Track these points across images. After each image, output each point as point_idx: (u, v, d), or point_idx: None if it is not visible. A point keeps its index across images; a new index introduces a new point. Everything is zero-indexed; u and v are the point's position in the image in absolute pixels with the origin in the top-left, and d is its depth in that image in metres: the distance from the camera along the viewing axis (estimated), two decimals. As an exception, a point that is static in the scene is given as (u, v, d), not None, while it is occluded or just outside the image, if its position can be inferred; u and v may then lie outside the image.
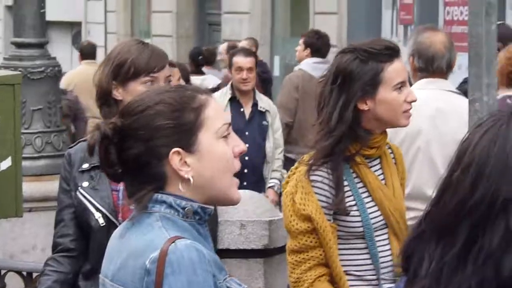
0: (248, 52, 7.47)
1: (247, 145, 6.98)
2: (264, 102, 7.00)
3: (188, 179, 1.95)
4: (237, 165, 2.05)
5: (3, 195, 4.38)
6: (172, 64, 5.69)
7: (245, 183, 5.52)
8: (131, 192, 2.07)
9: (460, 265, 1.36)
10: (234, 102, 6.80)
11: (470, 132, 1.41)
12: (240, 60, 7.01)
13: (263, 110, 6.89)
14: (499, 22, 4.74)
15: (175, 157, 1.94)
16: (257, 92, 7.12)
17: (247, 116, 6.83)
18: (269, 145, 6.93)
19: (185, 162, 1.95)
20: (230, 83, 7.13)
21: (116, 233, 2.21)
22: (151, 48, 3.55)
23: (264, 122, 6.88)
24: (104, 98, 3.38)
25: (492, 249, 1.29)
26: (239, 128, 6.28)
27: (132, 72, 3.31)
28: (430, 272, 1.42)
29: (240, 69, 6.75)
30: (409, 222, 3.60)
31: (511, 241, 1.29)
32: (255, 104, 6.86)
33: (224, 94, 6.85)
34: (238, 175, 6.92)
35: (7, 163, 4.32)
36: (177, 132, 1.98)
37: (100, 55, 12.92)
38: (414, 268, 1.49)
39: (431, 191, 3.92)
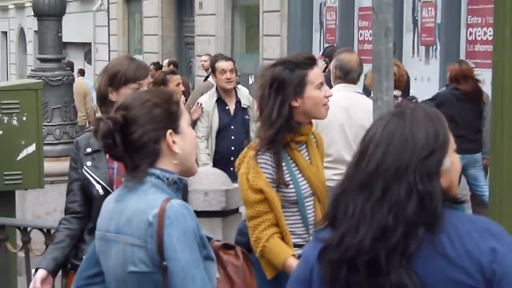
0: (227, 58, 8.00)
1: (232, 137, 7.29)
2: (245, 99, 7.45)
3: (177, 153, 2.25)
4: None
5: (29, 172, 5.25)
6: (174, 73, 6.40)
7: (231, 169, 5.92)
8: (131, 167, 2.33)
9: (378, 207, 1.77)
10: (220, 102, 7.25)
11: (377, 121, 2.03)
12: (223, 63, 7.42)
13: (245, 107, 7.36)
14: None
15: (169, 136, 2.24)
16: (238, 90, 7.56)
17: (232, 112, 7.30)
18: (253, 135, 7.23)
19: (173, 140, 2.25)
20: (214, 87, 7.57)
21: (110, 199, 2.50)
22: (138, 62, 3.98)
23: (246, 117, 7.36)
24: (103, 100, 3.81)
25: (400, 197, 1.74)
26: (226, 123, 7.12)
27: (123, 80, 3.74)
28: (355, 213, 1.81)
29: (223, 71, 7.15)
30: (335, 177, 4.12)
31: (412, 192, 1.81)
32: (238, 102, 7.32)
33: (212, 96, 7.33)
34: (226, 162, 7.91)
35: (32, 148, 5.17)
36: (168, 118, 2.28)
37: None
38: (340, 215, 1.89)
39: (347, 157, 4.73)
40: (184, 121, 2.33)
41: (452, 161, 2.00)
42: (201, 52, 16.61)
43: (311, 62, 3.61)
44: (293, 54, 4.20)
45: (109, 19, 23.12)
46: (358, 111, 5.44)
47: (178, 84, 5.42)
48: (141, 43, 21.17)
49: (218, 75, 7.10)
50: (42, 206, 6.79)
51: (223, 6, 16.91)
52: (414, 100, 8.44)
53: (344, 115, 5.39)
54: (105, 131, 2.27)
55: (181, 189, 2.44)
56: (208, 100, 7.29)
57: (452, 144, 2.02)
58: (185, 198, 2.90)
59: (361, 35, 13.38)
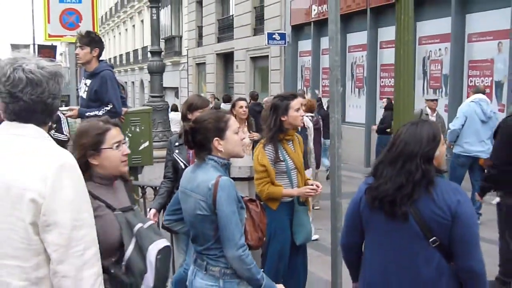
0: (243, 99, 7.36)
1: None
2: None
3: (221, 150, 2.86)
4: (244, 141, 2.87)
5: (145, 156, 6.55)
6: (243, 99, 6.51)
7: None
8: (197, 154, 2.92)
9: (398, 174, 2.65)
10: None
11: (402, 126, 2.81)
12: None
13: None
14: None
15: (216, 142, 2.81)
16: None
17: None
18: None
19: (220, 143, 2.81)
20: None
21: (188, 170, 3.04)
22: (202, 98, 4.94)
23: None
24: (184, 118, 4.71)
25: (411, 170, 2.62)
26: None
27: (194, 107, 4.66)
28: (387, 175, 2.68)
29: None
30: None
31: (418, 168, 2.63)
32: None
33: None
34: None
35: (146, 143, 6.58)
36: (216, 131, 2.86)
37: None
38: (378, 173, 2.75)
39: None
40: (230, 131, 2.89)
41: (440, 150, 2.73)
42: (237, 92, 23.32)
43: (293, 96, 4.47)
44: (284, 92, 6.10)
45: (188, 74, 29.19)
46: None
47: (241, 107, 6.25)
48: (205, 87, 27.75)
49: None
50: (152, 174, 7.77)
51: (248, 67, 23.15)
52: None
53: None
54: (184, 134, 2.95)
55: (228, 168, 2.99)
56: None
57: (442, 140, 2.75)
58: (229, 172, 3.11)
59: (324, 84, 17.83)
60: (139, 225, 2.54)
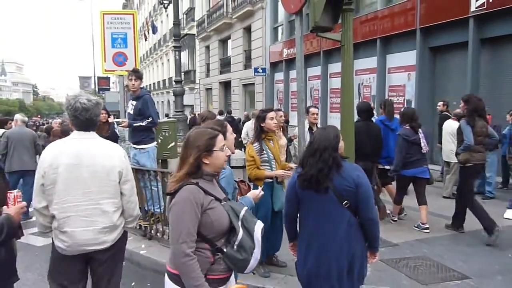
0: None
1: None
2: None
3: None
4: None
5: (173, 153, 6.52)
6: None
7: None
8: None
9: (317, 161, 2.67)
10: None
11: (317, 130, 3.00)
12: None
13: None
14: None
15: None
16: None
17: None
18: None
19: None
20: None
21: None
22: (212, 112, 4.41)
23: None
24: (199, 124, 3.89)
25: (326, 158, 2.68)
26: None
27: (205, 118, 4.17)
28: (311, 163, 2.71)
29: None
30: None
31: (330, 156, 2.70)
32: None
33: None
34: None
35: (173, 143, 6.54)
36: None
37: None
38: (304, 163, 2.76)
39: None
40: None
41: (340, 144, 2.82)
42: (233, 107, 21.91)
43: (270, 109, 4.46)
44: (265, 107, 5.70)
45: (200, 96, 28.31)
46: None
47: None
48: (211, 105, 26.87)
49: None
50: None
51: (241, 91, 22.72)
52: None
53: None
54: None
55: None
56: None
57: (340, 137, 2.81)
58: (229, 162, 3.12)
59: (292, 102, 17.56)
60: (243, 210, 2.31)
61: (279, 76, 19.58)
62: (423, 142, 5.74)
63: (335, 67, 14.80)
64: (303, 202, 2.81)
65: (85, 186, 2.66)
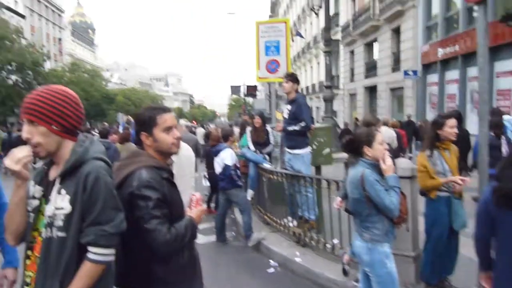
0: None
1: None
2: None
3: (369, 155, 2.95)
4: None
5: (327, 159, 6.16)
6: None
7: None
8: (352, 157, 3.10)
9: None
10: None
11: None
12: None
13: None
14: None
15: (365, 148, 2.86)
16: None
17: None
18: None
19: (368, 150, 2.86)
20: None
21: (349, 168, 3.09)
22: (376, 117, 5.15)
23: None
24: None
25: None
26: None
27: (369, 124, 4.64)
28: (509, 176, 2.22)
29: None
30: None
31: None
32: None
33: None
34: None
35: (327, 150, 6.13)
36: (367, 142, 2.95)
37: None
38: (498, 177, 2.29)
39: None
40: (376, 142, 2.92)
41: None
42: (379, 113, 20.23)
43: (448, 116, 4.07)
44: (445, 113, 5.46)
45: (343, 101, 26.96)
46: None
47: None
48: (355, 112, 24.24)
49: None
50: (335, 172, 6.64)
51: (388, 95, 21.43)
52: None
53: None
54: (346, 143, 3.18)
55: (377, 166, 3.00)
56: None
57: None
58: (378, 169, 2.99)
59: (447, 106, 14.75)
60: None
61: (432, 78, 17.97)
62: None
63: (502, 65, 12.82)
64: (501, 223, 2.34)
65: None
